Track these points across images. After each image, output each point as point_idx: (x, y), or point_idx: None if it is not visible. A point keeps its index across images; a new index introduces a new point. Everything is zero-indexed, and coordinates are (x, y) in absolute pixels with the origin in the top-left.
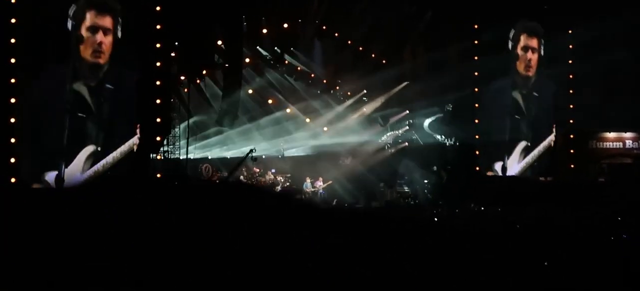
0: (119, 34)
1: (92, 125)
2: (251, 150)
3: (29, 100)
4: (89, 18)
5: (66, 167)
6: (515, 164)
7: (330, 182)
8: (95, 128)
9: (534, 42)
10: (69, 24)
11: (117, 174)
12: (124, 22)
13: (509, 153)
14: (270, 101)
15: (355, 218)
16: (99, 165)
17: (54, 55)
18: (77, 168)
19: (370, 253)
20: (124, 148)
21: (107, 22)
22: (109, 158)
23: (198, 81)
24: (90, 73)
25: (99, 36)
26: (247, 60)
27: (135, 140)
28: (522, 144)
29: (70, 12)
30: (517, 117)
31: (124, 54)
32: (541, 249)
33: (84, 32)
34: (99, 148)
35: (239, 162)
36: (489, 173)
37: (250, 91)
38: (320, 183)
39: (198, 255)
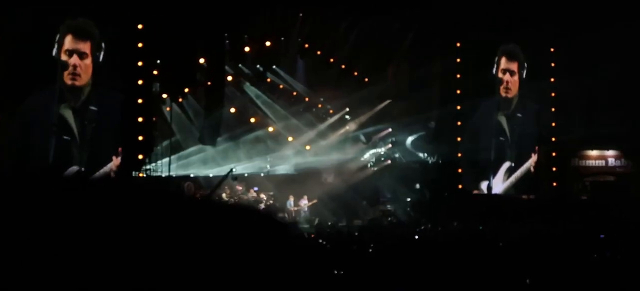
0: (101, 58)
1: (76, 146)
2: (231, 170)
3: (18, 122)
4: (67, 42)
5: None
6: (499, 184)
7: (315, 201)
8: (79, 149)
9: (513, 66)
10: (55, 49)
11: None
12: (106, 45)
13: (494, 173)
14: (252, 120)
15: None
16: None
17: (41, 79)
18: None
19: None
20: (106, 168)
21: (83, 46)
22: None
23: (180, 100)
24: (72, 96)
25: (74, 60)
26: (229, 78)
27: (116, 161)
28: (506, 165)
29: (57, 37)
30: (501, 138)
31: (107, 76)
32: (523, 266)
33: (63, 56)
34: (82, 169)
35: (219, 181)
36: (474, 192)
37: (232, 110)
38: (305, 202)
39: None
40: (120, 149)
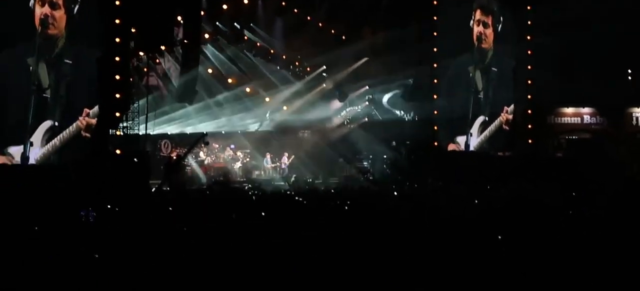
0: (75, 11)
1: (50, 100)
2: (204, 134)
3: None
4: None
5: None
6: (473, 139)
7: (293, 157)
8: (53, 104)
9: (488, 19)
10: (31, 1)
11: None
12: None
13: (469, 128)
14: (229, 80)
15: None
16: (56, 140)
17: (18, 33)
18: (36, 143)
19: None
20: (74, 126)
21: None
22: (66, 134)
23: (157, 61)
24: (45, 47)
25: (46, 9)
26: (207, 36)
27: (85, 119)
28: (480, 119)
29: None
30: (475, 92)
31: (82, 31)
32: (497, 223)
33: (36, 6)
34: (56, 124)
35: (191, 145)
36: (450, 148)
37: (209, 70)
38: (285, 159)
39: None
40: (86, 110)
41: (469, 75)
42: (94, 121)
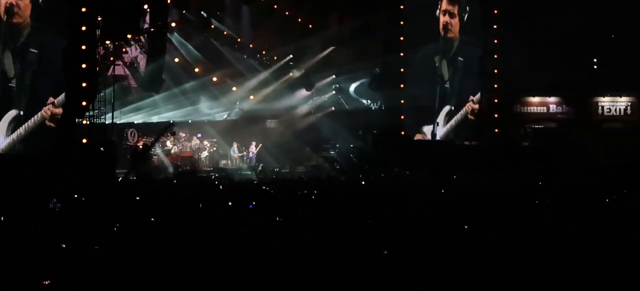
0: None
1: (16, 89)
2: (171, 123)
3: None
4: None
5: None
6: (439, 128)
7: (260, 146)
8: (18, 93)
9: (454, 8)
10: None
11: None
12: None
13: (435, 118)
14: (196, 69)
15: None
16: (21, 129)
17: None
18: (1, 132)
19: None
20: (39, 116)
21: None
22: (30, 122)
23: (124, 50)
24: (11, 35)
25: None
26: (173, 24)
27: (50, 108)
28: (446, 108)
29: None
30: (441, 81)
31: (48, 20)
32: (463, 212)
33: None
34: (21, 113)
35: (158, 134)
36: (416, 138)
37: (176, 59)
38: (253, 148)
39: None
40: (51, 99)
41: (435, 65)
42: (58, 110)
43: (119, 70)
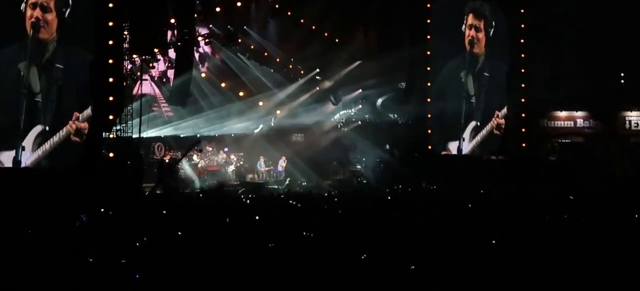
0: (66, 14)
1: (41, 105)
2: (198, 141)
3: None
4: None
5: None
6: (465, 144)
7: (287, 160)
8: (44, 108)
9: (480, 23)
10: (23, 5)
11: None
12: (74, 1)
13: (461, 133)
14: (223, 84)
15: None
16: (46, 145)
17: (10, 37)
18: (27, 148)
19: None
20: (64, 131)
21: (46, 0)
22: (56, 138)
23: (151, 64)
24: (36, 51)
25: (37, 12)
26: (200, 38)
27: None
28: (472, 124)
29: None
30: (467, 96)
31: (74, 34)
32: (491, 227)
33: (28, 9)
34: (47, 128)
35: (186, 150)
36: (443, 153)
37: (203, 74)
38: (282, 163)
39: None
40: (75, 114)
41: (460, 80)
42: (83, 125)
43: (146, 83)
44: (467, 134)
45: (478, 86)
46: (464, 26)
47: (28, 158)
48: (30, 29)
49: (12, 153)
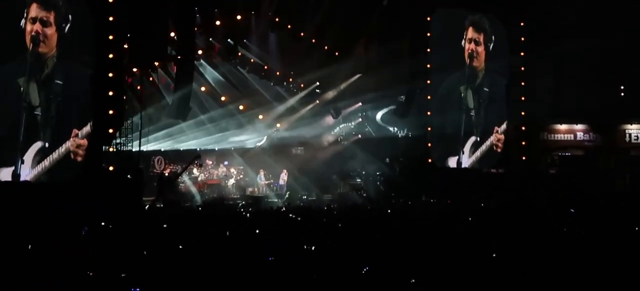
0: (66, 30)
1: (41, 120)
2: (198, 156)
3: None
4: (32, 10)
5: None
6: (465, 158)
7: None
8: (43, 123)
9: (479, 37)
10: (23, 21)
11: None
12: (74, 16)
13: (461, 148)
14: (223, 98)
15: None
16: (46, 161)
17: (9, 52)
18: (26, 164)
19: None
20: (63, 148)
21: (47, 15)
22: (55, 154)
23: (150, 78)
24: (36, 66)
25: (36, 27)
26: (200, 52)
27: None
28: (472, 139)
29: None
30: (466, 110)
31: (74, 49)
32: (492, 241)
33: (27, 24)
34: (46, 145)
35: (184, 167)
36: (443, 167)
37: (203, 88)
38: (284, 176)
39: None
40: (75, 131)
41: (460, 94)
42: (83, 142)
43: (146, 97)
44: (466, 149)
45: (477, 101)
46: (463, 40)
47: (27, 174)
48: (30, 44)
49: (10, 170)
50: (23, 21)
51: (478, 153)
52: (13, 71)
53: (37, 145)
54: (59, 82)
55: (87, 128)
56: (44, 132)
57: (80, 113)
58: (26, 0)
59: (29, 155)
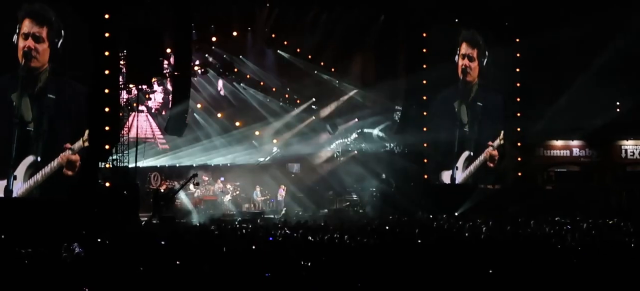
0: (59, 45)
1: (33, 134)
2: (195, 175)
3: None
4: (25, 26)
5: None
6: (459, 173)
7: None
8: (35, 138)
9: (473, 52)
10: (15, 37)
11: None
12: (67, 31)
13: (455, 163)
14: (219, 115)
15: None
16: (38, 176)
17: (1, 67)
18: (18, 179)
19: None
20: (55, 163)
21: (39, 30)
22: (47, 169)
23: (147, 95)
24: (29, 81)
25: (29, 42)
26: (197, 68)
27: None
28: (465, 154)
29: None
30: (460, 125)
31: (67, 64)
32: (487, 256)
33: (20, 40)
34: (38, 159)
35: (181, 185)
36: (438, 182)
37: (199, 105)
38: (282, 192)
39: None
40: (67, 145)
41: (454, 109)
42: (75, 157)
43: (142, 113)
44: (460, 164)
45: (471, 115)
46: (456, 56)
47: (19, 188)
48: (23, 59)
49: (4, 182)
50: (15, 36)
51: (472, 168)
52: (5, 86)
53: (29, 159)
54: (51, 96)
55: (79, 143)
56: (36, 147)
57: (73, 129)
58: (19, 15)
59: (21, 170)
